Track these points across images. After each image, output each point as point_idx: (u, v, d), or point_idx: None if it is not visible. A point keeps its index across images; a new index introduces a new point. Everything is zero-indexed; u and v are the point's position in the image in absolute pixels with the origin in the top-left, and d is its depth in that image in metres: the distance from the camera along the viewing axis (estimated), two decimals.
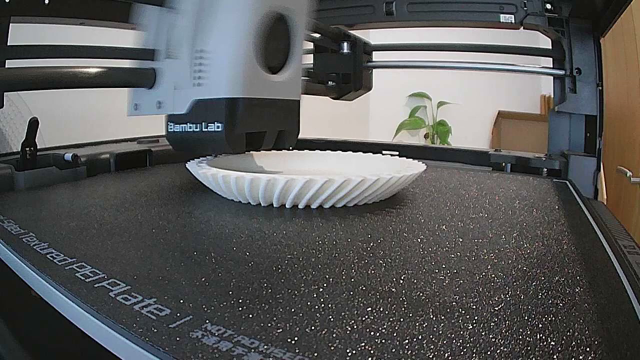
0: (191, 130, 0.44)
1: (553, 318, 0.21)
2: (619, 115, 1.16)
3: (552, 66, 0.75)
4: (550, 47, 0.75)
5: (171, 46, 0.44)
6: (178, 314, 0.21)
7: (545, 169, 0.68)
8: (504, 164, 0.72)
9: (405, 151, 0.79)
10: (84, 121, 1.23)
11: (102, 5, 0.69)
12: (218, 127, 0.42)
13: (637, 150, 1.11)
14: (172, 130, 0.46)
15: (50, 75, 0.41)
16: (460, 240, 0.33)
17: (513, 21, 0.74)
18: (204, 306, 0.22)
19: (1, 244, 0.31)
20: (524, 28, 0.75)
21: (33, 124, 0.53)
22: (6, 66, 0.50)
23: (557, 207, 0.45)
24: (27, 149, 0.54)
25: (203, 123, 0.43)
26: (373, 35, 1.32)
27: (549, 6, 0.72)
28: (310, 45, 0.77)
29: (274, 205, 0.42)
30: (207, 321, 0.20)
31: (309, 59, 0.78)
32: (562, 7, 0.71)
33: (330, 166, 0.60)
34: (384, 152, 0.78)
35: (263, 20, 0.43)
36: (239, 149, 0.45)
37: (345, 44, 0.77)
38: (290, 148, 0.54)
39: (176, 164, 0.47)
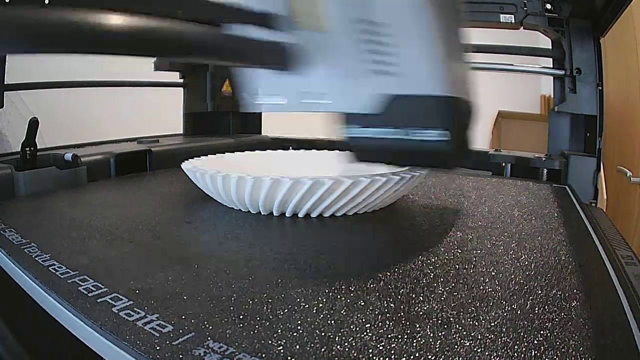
0: (391, 137, 0.32)
1: (548, 334, 0.21)
2: (619, 115, 1.16)
3: (552, 66, 0.75)
4: (550, 47, 0.75)
5: (305, 12, 0.31)
6: (180, 331, 0.21)
7: (545, 169, 0.68)
8: (504, 164, 0.72)
9: None
10: (84, 121, 1.23)
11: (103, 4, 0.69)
12: (439, 135, 0.31)
13: (637, 150, 1.11)
14: (355, 135, 0.34)
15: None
16: (459, 251, 0.33)
17: (513, 21, 0.74)
18: (205, 322, 0.22)
19: (3, 255, 0.32)
20: (524, 28, 0.74)
21: (33, 124, 0.54)
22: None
23: (556, 214, 0.45)
24: (27, 149, 0.54)
25: (410, 128, 0.32)
26: None
27: (549, 6, 0.72)
28: None
29: (274, 214, 0.42)
30: (209, 338, 0.20)
31: None
32: (562, 7, 0.71)
33: (329, 167, 0.60)
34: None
35: None
36: (461, 162, 0.35)
37: None
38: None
39: (176, 169, 0.47)
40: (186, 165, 0.47)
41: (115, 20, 0.21)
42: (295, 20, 0.31)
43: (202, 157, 0.54)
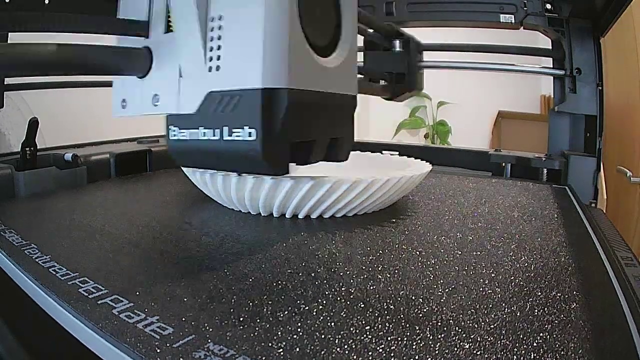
0: (205, 138, 0.29)
1: (548, 336, 0.21)
2: (619, 115, 1.16)
3: (552, 66, 0.75)
4: (550, 47, 0.75)
5: (170, 14, 0.30)
6: (181, 333, 0.21)
7: (545, 169, 0.68)
8: (503, 164, 0.72)
9: (406, 151, 0.79)
10: (84, 121, 1.23)
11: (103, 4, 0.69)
12: (249, 134, 0.27)
13: (637, 150, 1.11)
14: (175, 137, 0.31)
15: None
16: (459, 253, 0.33)
17: (513, 21, 0.73)
18: (206, 324, 0.22)
19: (4, 256, 0.32)
20: (524, 28, 0.74)
21: (33, 124, 0.54)
22: None
23: (555, 215, 0.45)
24: (27, 149, 0.54)
25: (225, 128, 0.28)
26: None
27: (549, 6, 0.72)
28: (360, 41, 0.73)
29: (274, 215, 0.42)
30: (209, 340, 0.20)
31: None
32: (562, 7, 0.71)
33: (328, 167, 0.60)
34: (383, 152, 0.78)
35: None
36: (281, 167, 0.30)
37: (397, 41, 0.74)
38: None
39: (176, 168, 0.47)
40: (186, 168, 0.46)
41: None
42: (152, 23, 0.31)
43: None
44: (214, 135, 0.28)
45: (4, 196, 0.49)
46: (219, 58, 0.28)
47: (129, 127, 0.92)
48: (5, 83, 0.61)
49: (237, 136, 0.27)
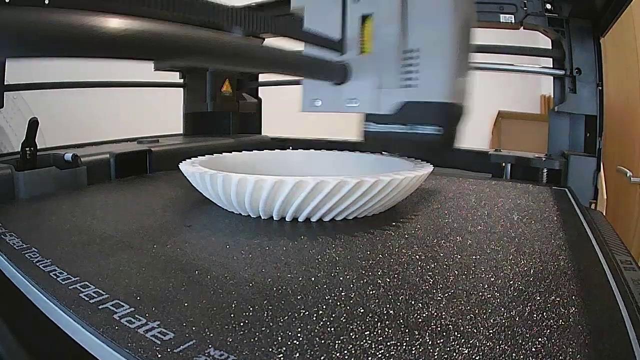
0: (399, 130, 0.43)
1: (546, 341, 0.21)
2: (619, 115, 1.16)
3: (552, 66, 0.75)
4: (550, 47, 0.75)
5: (369, 42, 0.43)
6: (181, 338, 0.21)
7: (545, 169, 0.68)
8: (503, 164, 0.72)
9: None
10: (84, 121, 1.23)
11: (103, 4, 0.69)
12: (437, 130, 0.42)
13: (637, 150, 1.11)
14: (370, 129, 0.45)
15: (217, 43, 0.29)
16: (459, 257, 0.33)
17: (513, 21, 0.73)
18: (206, 329, 0.22)
19: (4, 260, 0.32)
20: (524, 28, 0.74)
21: (33, 124, 0.54)
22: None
23: (555, 218, 0.45)
24: (27, 149, 0.54)
25: (415, 125, 0.42)
26: None
27: (549, 6, 0.72)
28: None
29: (274, 218, 0.43)
30: (210, 346, 0.21)
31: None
32: (562, 7, 0.71)
33: (329, 167, 0.60)
34: (383, 152, 0.78)
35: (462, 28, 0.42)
36: (450, 148, 0.45)
37: None
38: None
39: (176, 171, 0.47)
40: (185, 168, 0.46)
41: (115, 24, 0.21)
42: (347, 44, 0.43)
43: (199, 157, 0.54)
44: (407, 129, 0.43)
45: (3, 196, 0.49)
46: (411, 79, 0.41)
47: (128, 127, 0.92)
48: (5, 83, 0.61)
49: (426, 130, 0.42)
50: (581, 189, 0.64)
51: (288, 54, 0.36)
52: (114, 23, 0.21)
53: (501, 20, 0.74)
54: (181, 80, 1.01)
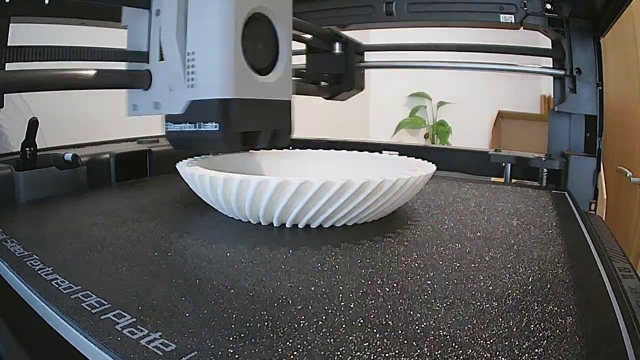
0: (188, 130, 0.45)
1: (543, 352, 0.22)
2: (619, 115, 1.16)
3: (552, 66, 0.75)
4: (550, 47, 0.75)
5: (162, 48, 0.46)
6: (183, 350, 0.21)
7: (545, 169, 0.68)
8: (503, 164, 0.72)
9: (406, 151, 0.79)
10: (84, 121, 1.23)
11: (102, 5, 0.69)
12: (215, 126, 0.43)
13: (637, 150, 1.11)
14: (170, 129, 0.47)
15: (49, 78, 0.43)
16: (457, 265, 0.33)
17: (513, 21, 0.73)
18: (207, 341, 0.22)
19: (6, 268, 0.32)
20: (524, 28, 0.74)
21: (33, 124, 0.54)
22: (5, 68, 0.50)
23: (554, 223, 0.45)
24: (27, 149, 0.54)
25: (199, 123, 0.44)
26: (374, 35, 1.32)
27: (549, 6, 0.72)
28: (303, 46, 0.78)
29: (275, 225, 0.43)
30: (211, 357, 0.21)
31: (302, 60, 0.79)
32: (562, 7, 0.70)
33: (329, 167, 0.60)
34: (383, 152, 0.78)
35: (246, 23, 0.44)
36: (235, 147, 0.47)
37: (337, 44, 0.77)
38: (286, 146, 0.56)
39: (176, 173, 0.47)
40: (183, 169, 0.46)
41: None
42: (159, 55, 0.46)
43: (196, 157, 0.54)
44: (193, 127, 0.44)
45: (3, 196, 0.49)
46: (193, 79, 0.44)
47: (128, 127, 0.92)
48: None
49: (206, 127, 0.44)
50: (581, 189, 0.64)
51: (96, 72, 0.45)
52: None
53: (501, 20, 0.74)
54: None
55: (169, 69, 0.45)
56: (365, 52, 0.86)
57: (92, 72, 0.45)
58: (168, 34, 0.45)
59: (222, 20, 0.42)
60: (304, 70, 0.79)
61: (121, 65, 0.49)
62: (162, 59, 0.46)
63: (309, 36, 0.73)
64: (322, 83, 0.79)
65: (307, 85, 0.75)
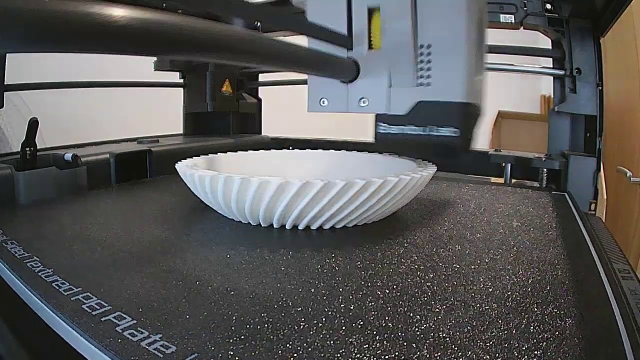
0: (413, 132, 0.40)
1: (542, 354, 0.22)
2: (619, 115, 1.16)
3: (552, 66, 0.75)
4: (550, 47, 0.75)
5: (381, 35, 0.39)
6: (184, 352, 0.21)
7: (545, 169, 0.68)
8: (503, 164, 0.72)
9: None
10: (84, 121, 1.23)
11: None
12: (454, 132, 0.39)
13: (637, 150, 1.11)
14: (384, 131, 0.42)
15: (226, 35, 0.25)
16: (457, 266, 0.33)
17: (513, 21, 0.73)
18: (208, 343, 0.22)
19: (6, 269, 0.32)
20: (524, 28, 0.74)
21: (33, 124, 0.54)
22: None
23: (554, 225, 0.45)
24: (27, 149, 0.54)
25: (430, 127, 0.40)
26: None
27: (549, 6, 0.72)
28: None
29: (275, 226, 0.43)
30: (212, 359, 0.21)
31: None
32: (562, 7, 0.70)
33: (329, 168, 0.60)
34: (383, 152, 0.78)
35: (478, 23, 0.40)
36: (466, 151, 0.42)
37: None
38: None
39: (175, 174, 0.47)
40: (182, 170, 0.45)
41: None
42: (355, 39, 0.40)
43: (194, 157, 0.53)
44: (421, 131, 0.40)
45: (4, 196, 0.49)
46: (428, 77, 0.39)
47: (128, 127, 0.92)
48: (5, 83, 0.61)
49: (441, 132, 0.39)
50: (581, 189, 0.64)
51: (296, 48, 0.32)
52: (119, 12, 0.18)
53: (501, 20, 0.74)
54: (181, 80, 1.01)
55: (390, 61, 0.39)
56: None
57: (303, 50, 0.33)
58: (397, 21, 0.38)
59: (468, 15, 0.37)
60: None
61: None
62: (371, 47, 0.40)
63: None
64: None
65: None
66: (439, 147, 0.40)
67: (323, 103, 0.43)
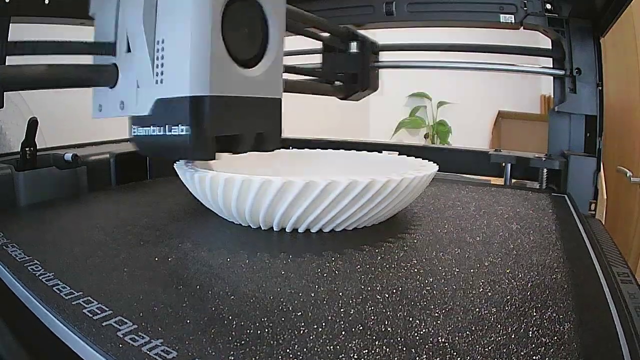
0: (155, 134, 0.38)
1: (540, 359, 0.22)
2: (619, 115, 1.16)
3: (552, 66, 0.75)
4: (550, 47, 0.75)
5: (129, 37, 0.39)
6: (184, 357, 0.21)
7: (545, 169, 0.68)
8: (503, 164, 0.72)
9: (406, 151, 0.79)
10: (84, 121, 1.23)
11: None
12: (182, 130, 0.36)
13: (637, 150, 1.11)
14: (135, 134, 0.40)
15: None
16: (457, 270, 0.33)
17: (513, 21, 0.73)
18: (209, 348, 0.22)
19: (7, 273, 0.32)
20: (524, 28, 0.74)
21: (33, 124, 0.54)
22: None
23: (554, 227, 0.45)
24: (27, 149, 0.54)
25: (167, 126, 0.37)
26: (371, 35, 1.32)
27: (549, 6, 0.72)
28: (318, 45, 0.77)
29: (275, 229, 0.43)
30: None
31: (317, 59, 0.78)
32: (562, 7, 0.70)
33: (328, 168, 0.59)
34: (383, 152, 0.78)
35: (227, 4, 0.37)
36: (208, 155, 0.38)
37: (353, 43, 0.76)
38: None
39: (175, 176, 0.47)
40: (181, 171, 0.45)
41: None
42: (127, 45, 0.39)
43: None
44: (160, 131, 0.38)
45: (3, 196, 0.49)
46: (162, 73, 0.37)
47: (128, 127, 0.92)
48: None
49: (174, 131, 0.37)
50: (581, 189, 0.64)
51: (51, 67, 0.37)
52: None
53: (501, 20, 0.74)
54: None
55: (137, 61, 0.38)
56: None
57: (43, 68, 0.36)
58: (134, 18, 0.37)
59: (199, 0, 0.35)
60: (319, 70, 0.78)
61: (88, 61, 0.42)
62: (129, 50, 0.39)
63: (325, 34, 0.72)
64: (337, 83, 0.78)
65: (322, 84, 0.74)
66: (173, 148, 0.38)
67: (100, 109, 0.43)
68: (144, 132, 0.39)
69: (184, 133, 0.36)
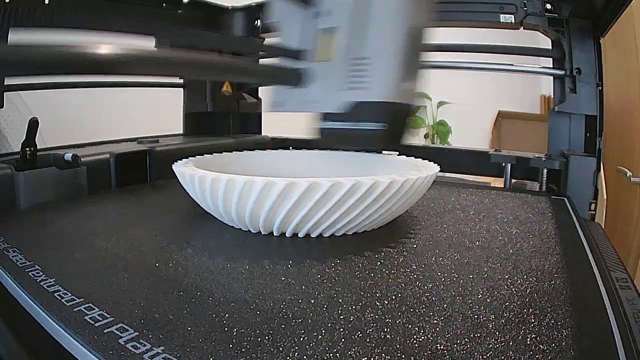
0: (348, 127, 0.46)
1: None
2: (619, 115, 1.16)
3: (552, 66, 0.75)
4: (550, 47, 0.75)
5: (321, 49, 0.47)
6: None
7: (545, 169, 0.68)
8: (503, 164, 0.72)
9: (405, 151, 0.79)
10: (84, 121, 1.23)
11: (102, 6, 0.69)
12: (382, 126, 0.44)
13: (637, 150, 1.11)
14: (324, 127, 0.48)
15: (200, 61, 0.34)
16: (456, 276, 0.33)
17: (513, 21, 0.73)
18: (209, 355, 0.22)
19: (8, 278, 0.32)
20: (524, 28, 0.74)
21: (33, 124, 0.54)
22: None
23: (553, 231, 0.46)
24: (27, 149, 0.54)
25: (361, 122, 0.45)
26: None
27: (549, 6, 0.72)
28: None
29: (275, 234, 0.43)
30: None
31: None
32: (562, 7, 0.71)
33: (328, 168, 0.59)
34: (383, 152, 0.78)
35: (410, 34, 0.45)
36: (394, 146, 0.52)
37: None
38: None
39: (175, 179, 0.46)
40: (180, 171, 0.45)
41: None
42: (311, 54, 0.47)
43: (190, 158, 0.53)
44: (353, 125, 0.45)
45: (4, 196, 0.49)
46: (359, 82, 0.44)
47: (128, 127, 0.92)
48: (5, 83, 0.61)
49: (370, 126, 0.44)
50: (581, 189, 0.64)
51: (244, 62, 0.43)
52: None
53: (501, 20, 0.74)
54: (181, 81, 1.01)
55: (332, 70, 0.46)
56: None
57: (248, 64, 0.43)
58: (337, 38, 0.46)
59: (396, 28, 0.43)
60: None
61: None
62: (316, 59, 0.47)
63: None
64: None
65: None
66: (368, 138, 0.46)
67: (281, 105, 0.50)
68: (333, 125, 0.47)
69: (379, 128, 0.44)
